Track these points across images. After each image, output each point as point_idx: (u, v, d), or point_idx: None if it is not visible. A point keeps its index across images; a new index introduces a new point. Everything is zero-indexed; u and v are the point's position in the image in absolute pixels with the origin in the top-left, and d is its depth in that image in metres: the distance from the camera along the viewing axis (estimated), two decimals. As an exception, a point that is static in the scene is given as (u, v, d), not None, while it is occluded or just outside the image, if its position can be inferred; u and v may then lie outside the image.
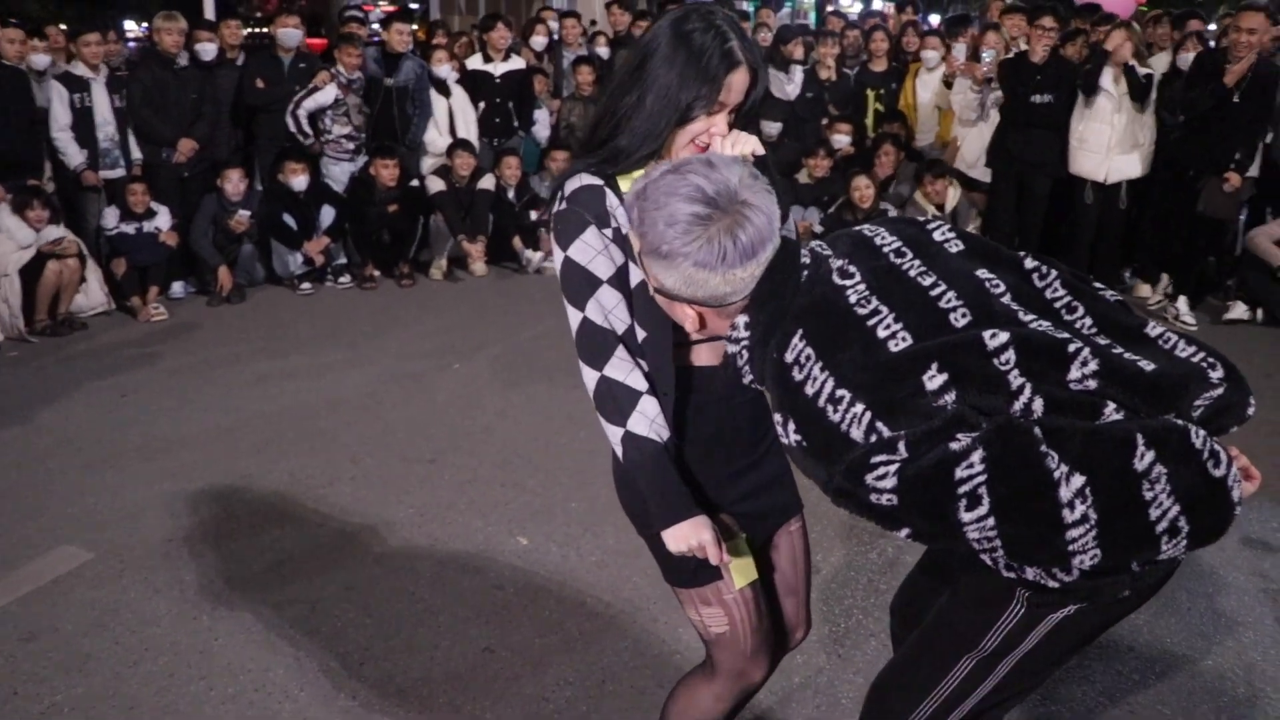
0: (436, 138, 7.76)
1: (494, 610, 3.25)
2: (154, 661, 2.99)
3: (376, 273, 7.30)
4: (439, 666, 2.97)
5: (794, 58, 8.31)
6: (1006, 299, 1.68)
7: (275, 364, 5.57)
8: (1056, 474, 1.46)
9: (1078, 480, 1.46)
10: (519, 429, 4.69)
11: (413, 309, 6.71)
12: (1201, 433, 1.53)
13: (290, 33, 7.37)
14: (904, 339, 1.58)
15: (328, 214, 7.14)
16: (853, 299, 1.65)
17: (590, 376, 1.84)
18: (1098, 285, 1.81)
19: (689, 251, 1.61)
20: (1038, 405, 1.53)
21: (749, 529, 2.02)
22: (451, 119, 7.76)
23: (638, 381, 1.83)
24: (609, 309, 1.84)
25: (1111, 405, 1.55)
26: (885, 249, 1.75)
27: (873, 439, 1.52)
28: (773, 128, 8.18)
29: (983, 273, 1.71)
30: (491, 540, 3.69)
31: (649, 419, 1.82)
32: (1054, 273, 1.76)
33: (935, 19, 16.67)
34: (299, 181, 6.96)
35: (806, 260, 1.71)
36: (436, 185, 7.39)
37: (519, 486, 4.11)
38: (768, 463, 2.05)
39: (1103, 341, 1.65)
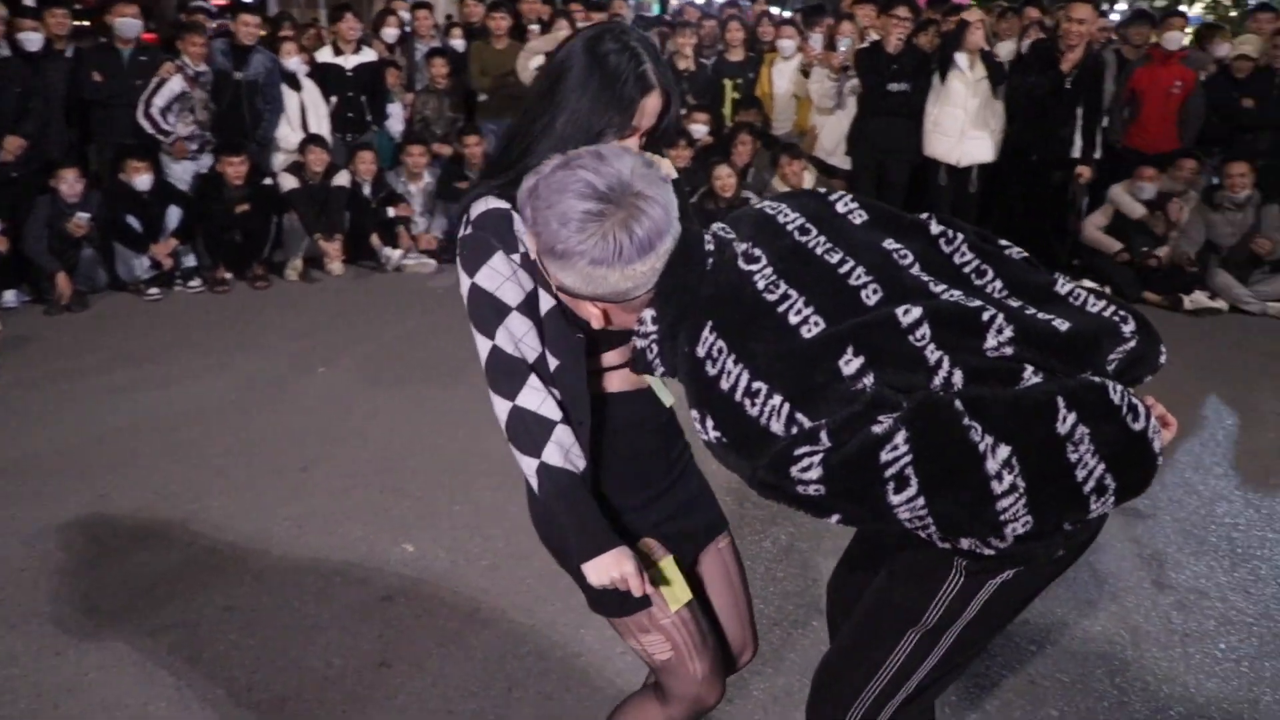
0: (288, 133, 7.47)
1: (386, 622, 3.13)
2: (13, 706, 2.76)
3: (229, 275, 6.97)
4: (334, 686, 2.83)
5: (651, 47, 8.30)
6: (915, 269, 1.67)
7: (126, 375, 5.24)
8: (981, 446, 1.45)
9: (1003, 450, 1.46)
10: (393, 432, 4.54)
11: (269, 312, 6.43)
12: (1119, 388, 1.54)
13: (129, 23, 6.92)
14: (816, 323, 1.56)
15: (174, 214, 6.77)
16: (760, 285, 1.61)
17: (502, 407, 1.76)
18: (1003, 244, 1.81)
19: (584, 249, 1.56)
20: (957, 377, 1.52)
21: (676, 550, 1.96)
22: (303, 113, 7.48)
23: (551, 410, 1.76)
24: (519, 337, 1.77)
25: (1030, 368, 1.55)
26: (789, 227, 1.71)
27: (794, 430, 1.50)
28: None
29: (889, 243, 1.70)
30: (376, 549, 3.55)
31: (564, 449, 1.75)
32: (960, 236, 1.76)
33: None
34: (142, 181, 6.58)
35: (710, 247, 1.67)
36: (289, 183, 7.11)
37: (399, 491, 3.97)
38: (685, 483, 2.03)
39: (1014, 304, 1.65)
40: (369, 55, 7.89)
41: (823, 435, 1.47)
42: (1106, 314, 1.68)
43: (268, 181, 7.19)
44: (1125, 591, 3.38)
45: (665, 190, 1.58)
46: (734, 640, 2.15)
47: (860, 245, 1.69)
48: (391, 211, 7.42)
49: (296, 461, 4.20)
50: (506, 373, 1.76)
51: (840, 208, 1.77)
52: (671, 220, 1.59)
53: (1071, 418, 1.49)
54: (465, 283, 1.78)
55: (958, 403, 1.47)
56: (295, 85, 7.44)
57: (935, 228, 1.77)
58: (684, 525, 2.00)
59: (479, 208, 1.80)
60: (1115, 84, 7.22)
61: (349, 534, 3.64)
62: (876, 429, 1.46)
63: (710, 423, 1.57)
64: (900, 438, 1.45)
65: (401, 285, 7.03)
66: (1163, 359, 1.72)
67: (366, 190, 7.41)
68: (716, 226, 1.75)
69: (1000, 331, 1.55)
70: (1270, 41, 7.65)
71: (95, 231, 6.51)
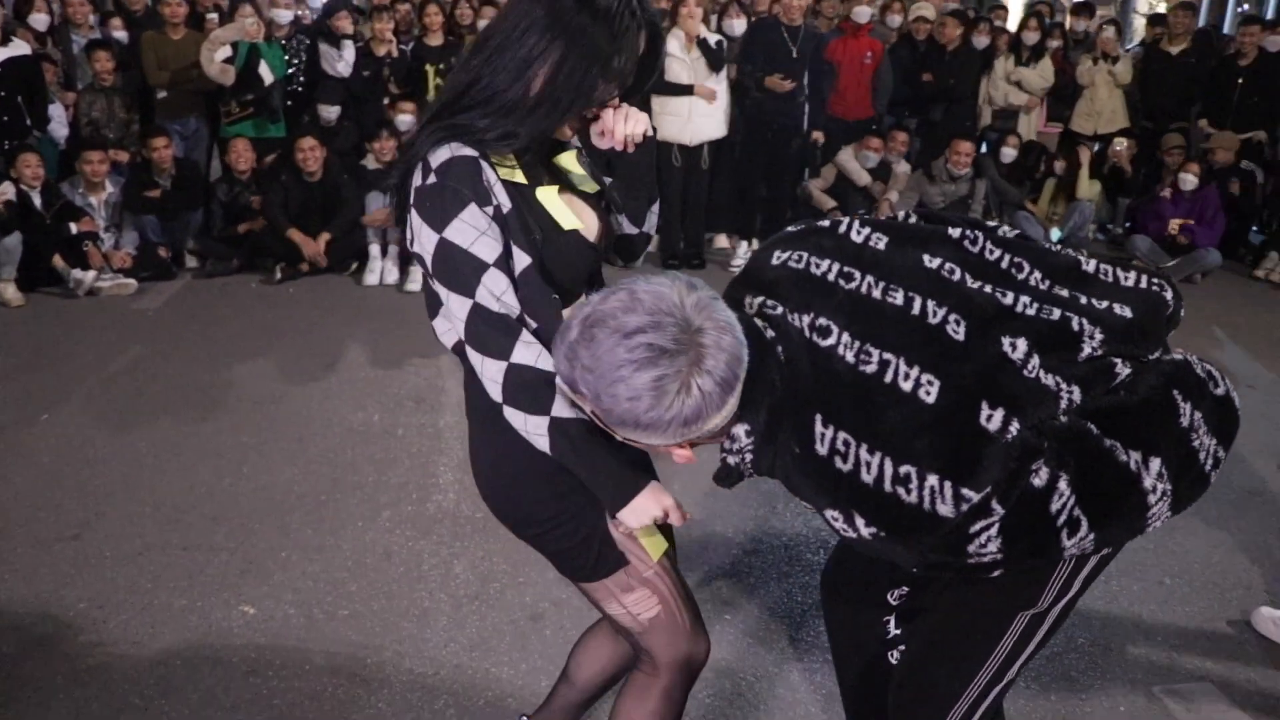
0: (-72, 142, 6.26)
1: (258, 702, 2.62)
2: None
3: (-128, 317, 5.75)
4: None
5: (343, 32, 7.74)
6: (969, 281, 1.59)
7: None
8: (1133, 465, 1.46)
9: (1155, 463, 1.47)
10: (166, 478, 3.87)
11: (-58, 356, 5.35)
12: (1198, 362, 1.60)
13: None
14: (929, 382, 1.44)
15: None
16: (850, 359, 1.48)
17: (495, 368, 1.63)
18: (993, 224, 1.76)
19: (674, 415, 1.38)
20: (1076, 394, 1.49)
21: None
22: (-55, 117, 6.29)
23: (548, 363, 1.61)
24: (499, 293, 1.65)
25: (1119, 361, 1.55)
26: (830, 278, 1.58)
27: (963, 508, 1.39)
28: (330, 111, 7.60)
29: (928, 260, 1.61)
30: (209, 618, 2.99)
31: (567, 400, 1.63)
32: (979, 234, 1.69)
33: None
34: None
35: (771, 334, 1.50)
36: (-62, 202, 5.96)
37: (206, 547, 3.38)
38: None
39: (1065, 294, 1.62)
40: (20, 48, 6.74)
41: (994, 504, 1.40)
42: (1144, 286, 1.68)
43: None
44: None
45: (719, 307, 1.41)
46: None
47: (906, 273, 1.58)
48: (75, 227, 6.42)
49: (63, 530, 3.47)
50: (497, 331, 1.64)
51: (856, 237, 1.65)
52: (740, 339, 1.41)
53: (1188, 408, 1.52)
54: (430, 238, 1.64)
55: (1092, 427, 1.45)
56: (-70, 85, 6.24)
57: (954, 231, 1.69)
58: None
59: (441, 154, 1.66)
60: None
61: (168, 606, 3.04)
62: (1037, 481, 1.41)
63: (861, 520, 1.45)
64: (1063, 484, 1.42)
65: (102, 311, 6.09)
66: (1182, 312, 1.75)
67: (37, 203, 6.36)
68: (756, 303, 1.57)
69: (1092, 338, 1.54)
70: (939, 20, 8.33)
71: None
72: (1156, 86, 8.64)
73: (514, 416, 1.65)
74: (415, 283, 6.67)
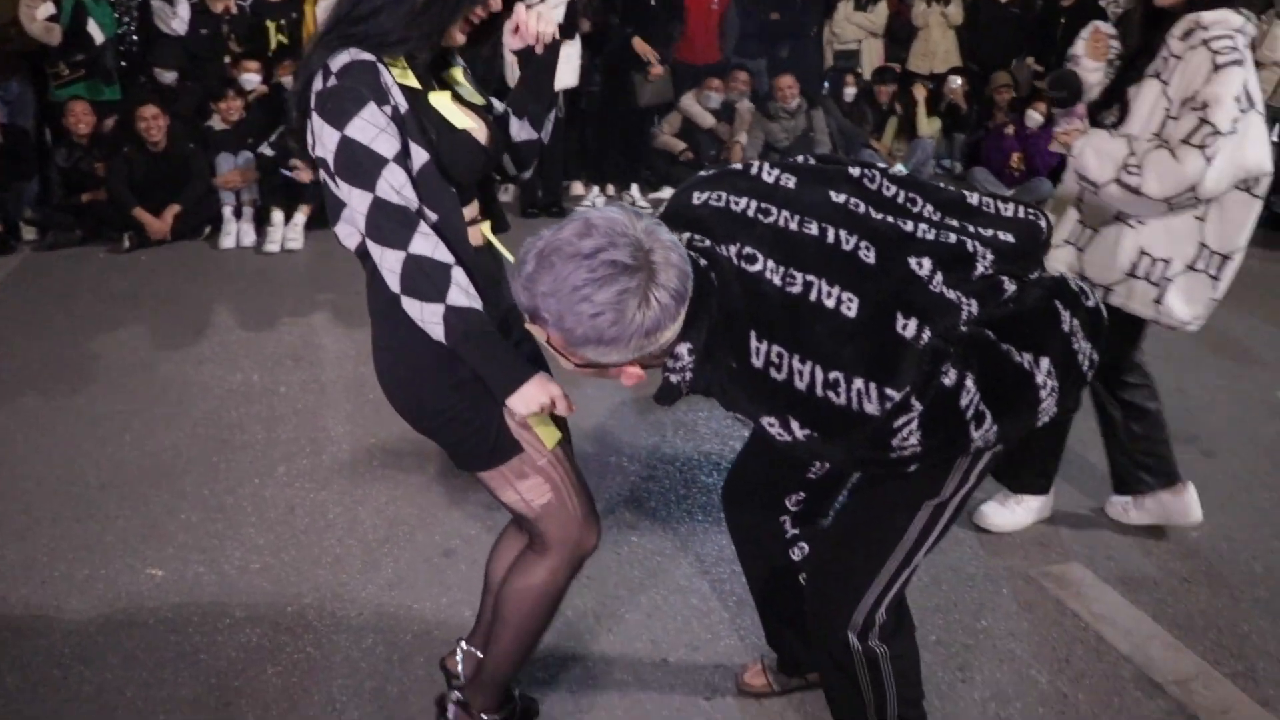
0: None
1: (183, 658, 2.61)
2: None
3: None
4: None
5: (175, -11, 7.44)
6: (874, 213, 1.73)
7: None
8: (1027, 364, 1.63)
9: (1045, 362, 1.64)
10: (43, 454, 3.73)
11: None
12: (1072, 278, 1.79)
13: None
14: (849, 299, 1.59)
15: None
16: (777, 282, 1.61)
17: (394, 257, 1.75)
18: (896, 168, 1.92)
19: (635, 326, 1.47)
20: (974, 306, 1.65)
21: None
22: None
23: (445, 255, 1.78)
24: (398, 186, 1.76)
25: (1005, 279, 1.71)
26: (750, 213, 1.70)
27: (887, 406, 1.54)
28: (167, 76, 7.32)
29: (834, 196, 1.74)
30: (116, 585, 2.93)
31: (464, 290, 1.78)
32: (875, 173, 1.83)
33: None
34: None
35: (704, 263, 1.61)
36: None
37: (100, 516, 3.30)
38: (528, 341, 2.03)
39: (955, 224, 1.77)
40: None
41: (913, 401, 1.55)
42: (1022, 215, 1.83)
43: None
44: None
45: (665, 230, 1.52)
46: None
47: (816, 208, 1.72)
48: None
49: (-61, 509, 3.33)
50: (396, 223, 1.75)
51: (767, 177, 1.78)
52: (685, 256, 1.53)
53: (1068, 315, 1.70)
54: (332, 136, 1.74)
55: (990, 334, 1.62)
56: None
57: (854, 170, 1.83)
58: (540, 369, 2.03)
59: (340, 59, 1.76)
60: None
61: (69, 577, 2.97)
62: (947, 381, 1.56)
63: (795, 423, 1.58)
64: (969, 382, 1.58)
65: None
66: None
67: None
68: (684, 237, 1.67)
69: (984, 258, 1.70)
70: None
71: None
72: (984, 32, 9.08)
73: (411, 306, 1.77)
74: (274, 243, 6.51)
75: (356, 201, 1.76)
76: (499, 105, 2.08)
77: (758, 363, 1.57)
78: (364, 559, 3.06)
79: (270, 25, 7.79)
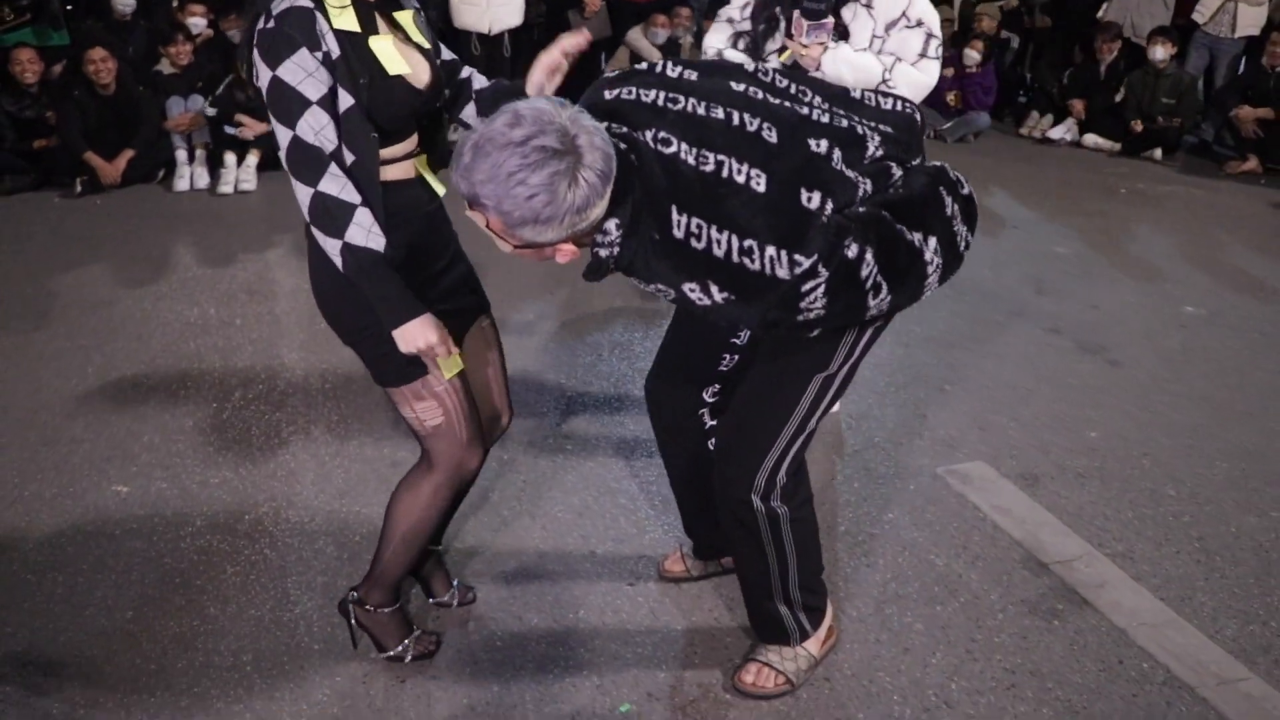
0: None
1: (149, 563, 2.82)
2: None
3: None
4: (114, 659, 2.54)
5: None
6: (772, 99, 1.90)
7: None
8: (917, 242, 1.83)
9: (933, 240, 1.85)
10: (8, 385, 3.88)
11: None
12: (950, 168, 1.98)
13: None
14: (757, 175, 1.76)
15: None
16: (691, 161, 1.77)
17: (304, 192, 1.92)
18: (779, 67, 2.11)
19: (568, 204, 1.62)
20: (868, 186, 1.84)
21: (449, 327, 2.12)
22: None
23: (351, 195, 1.94)
24: (319, 128, 1.91)
25: (893, 164, 1.90)
26: (660, 103, 1.84)
27: (796, 270, 1.72)
28: (125, 5, 7.33)
29: (734, 85, 1.91)
30: (83, 501, 3.12)
31: (365, 229, 1.94)
32: (766, 66, 2.02)
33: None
34: None
35: (623, 146, 1.76)
36: None
37: (66, 440, 3.48)
38: (456, 266, 2.24)
39: (842, 112, 1.95)
40: None
41: (820, 268, 1.73)
42: (899, 108, 2.02)
43: None
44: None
45: (588, 117, 1.67)
46: (495, 404, 2.43)
47: (720, 95, 1.87)
48: None
49: (-90, 437, 3.50)
50: (308, 161, 1.91)
51: (672, 73, 1.92)
52: (608, 140, 1.68)
53: (949, 200, 1.91)
54: (265, 74, 1.90)
55: (885, 214, 1.81)
56: None
57: (748, 65, 2.00)
58: (456, 304, 2.22)
59: (281, 4, 1.90)
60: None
61: (38, 495, 3.15)
62: (850, 253, 1.75)
63: (715, 287, 1.75)
64: (869, 255, 1.76)
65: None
66: None
67: None
68: (604, 125, 1.78)
69: (873, 140, 1.89)
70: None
71: None
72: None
73: (317, 235, 1.96)
74: (228, 184, 6.62)
75: (280, 137, 1.93)
76: (447, 53, 2.23)
77: (679, 234, 1.74)
78: (316, 471, 3.27)
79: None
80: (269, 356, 4.12)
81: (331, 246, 1.94)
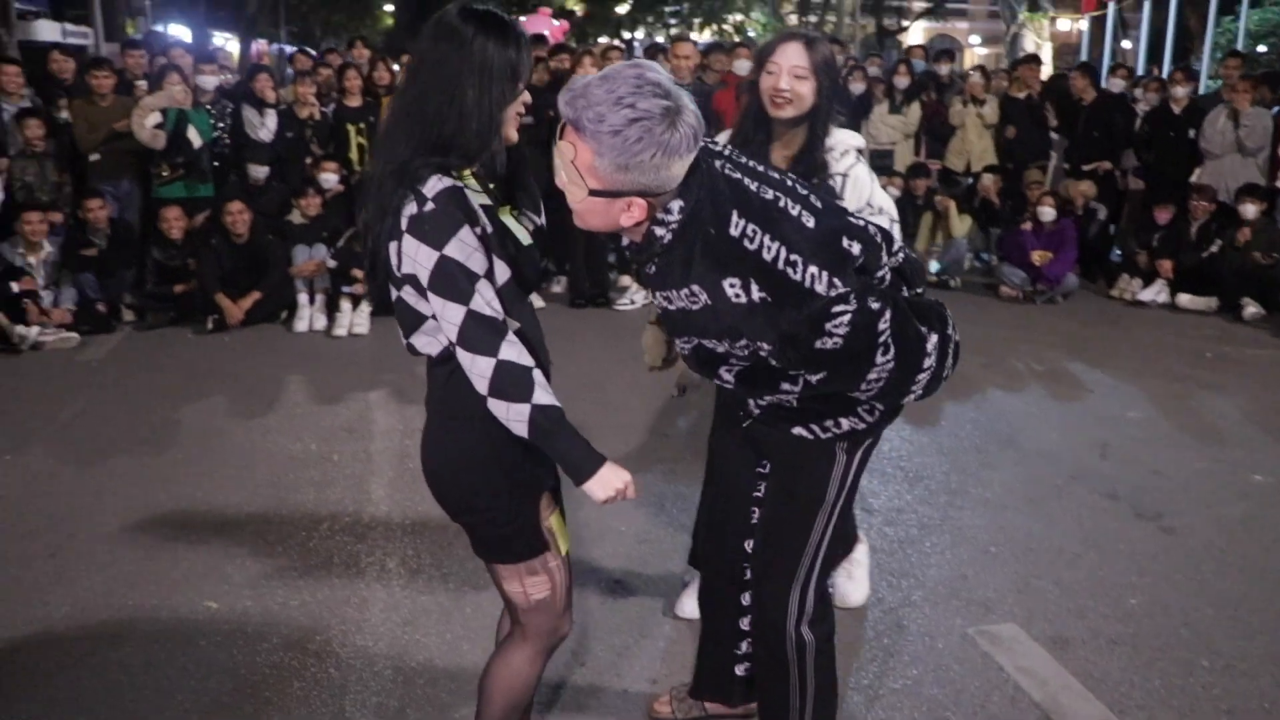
0: None
1: (226, 672, 3.13)
2: None
3: None
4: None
5: (266, 99, 8.27)
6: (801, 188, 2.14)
7: None
8: (924, 331, 2.11)
9: (934, 338, 2.13)
10: (127, 503, 4.34)
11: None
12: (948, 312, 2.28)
13: None
14: (807, 215, 2.01)
15: None
16: (753, 187, 2.02)
17: (486, 364, 1.95)
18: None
19: (658, 141, 1.80)
20: (889, 271, 2.12)
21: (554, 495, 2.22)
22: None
23: (527, 359, 1.99)
24: (489, 299, 1.96)
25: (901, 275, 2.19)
26: (723, 151, 2.09)
27: (833, 292, 1.96)
28: (259, 171, 8.10)
29: (774, 173, 2.12)
30: (178, 614, 3.47)
31: (545, 389, 1.99)
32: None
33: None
34: None
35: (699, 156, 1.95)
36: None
37: (169, 558, 3.87)
38: None
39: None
40: (-45, 119, 7.19)
41: (853, 298, 1.97)
42: (909, 255, 2.28)
43: None
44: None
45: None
46: None
47: (766, 175, 2.09)
48: (15, 286, 6.83)
49: (39, 550, 3.93)
50: (488, 333, 1.95)
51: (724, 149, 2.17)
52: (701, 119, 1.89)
53: (951, 325, 2.20)
54: (429, 255, 1.92)
55: (902, 303, 2.10)
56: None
57: (774, 174, 2.19)
58: (553, 481, 2.24)
59: (433, 185, 1.94)
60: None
61: (140, 606, 3.52)
62: (873, 304, 2.01)
63: (755, 287, 1.92)
64: (887, 316, 2.03)
65: (48, 364, 6.51)
66: None
67: (-21, 266, 6.78)
68: None
69: (896, 245, 2.19)
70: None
71: None
72: (1014, 128, 9.54)
73: (497, 406, 1.97)
74: (342, 328, 7.18)
75: (451, 314, 1.94)
76: (538, 219, 2.27)
77: (734, 233, 1.92)
78: (386, 601, 3.57)
79: (350, 129, 8.57)
80: (358, 491, 4.48)
81: (517, 413, 1.96)
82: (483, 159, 2.04)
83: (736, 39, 35.63)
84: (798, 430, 2.25)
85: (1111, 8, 20.01)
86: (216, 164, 8.11)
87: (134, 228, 7.83)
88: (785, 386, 2.14)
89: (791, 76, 2.81)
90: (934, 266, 8.70)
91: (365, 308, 7.34)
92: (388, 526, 4.14)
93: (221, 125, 8.16)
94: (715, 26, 37.19)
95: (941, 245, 8.95)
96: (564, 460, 2.04)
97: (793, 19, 37.68)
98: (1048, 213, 8.42)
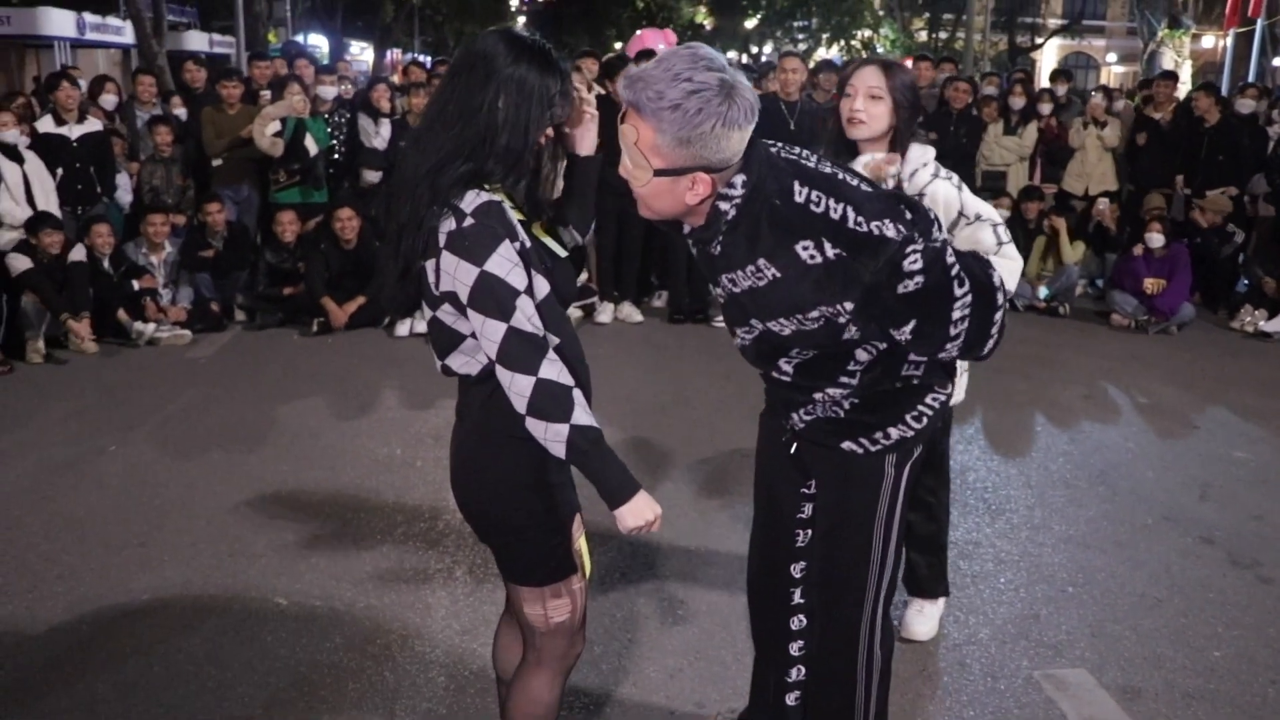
0: (12, 207, 7.04)
1: (285, 670, 3.23)
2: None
3: (-37, 364, 6.47)
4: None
5: (382, 110, 8.52)
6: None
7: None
8: (995, 277, 2.13)
9: (993, 271, 2.13)
10: (216, 499, 4.52)
11: (25, 398, 6.05)
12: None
13: None
14: (866, 185, 2.08)
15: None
16: (810, 164, 2.08)
17: (525, 382, 1.92)
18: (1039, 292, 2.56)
19: (718, 113, 1.87)
20: (939, 234, 2.16)
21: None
22: (28, 187, 7.09)
23: (568, 378, 1.96)
24: (530, 315, 1.94)
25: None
26: (771, 143, 2.14)
27: (900, 236, 2.01)
28: (372, 175, 8.34)
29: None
30: (248, 608, 3.60)
31: (584, 409, 1.97)
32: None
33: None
34: None
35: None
36: (22, 264, 6.71)
37: (248, 554, 4.01)
38: None
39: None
40: (94, 125, 7.60)
41: (918, 238, 2.04)
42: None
43: (-8, 261, 6.80)
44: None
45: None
46: None
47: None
48: (136, 284, 7.18)
49: (130, 539, 4.13)
50: (529, 350, 1.92)
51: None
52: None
53: (998, 278, 2.17)
54: (470, 271, 1.90)
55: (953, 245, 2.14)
56: (16, 158, 7.05)
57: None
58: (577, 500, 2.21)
59: (471, 200, 1.94)
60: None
61: (214, 597, 3.66)
62: (936, 242, 2.06)
63: (828, 244, 1.98)
64: (950, 250, 2.08)
65: (161, 359, 6.83)
66: None
67: (106, 264, 7.14)
68: None
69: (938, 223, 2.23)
70: (953, 84, 9.05)
71: None
72: (1142, 151, 9.19)
73: (535, 426, 1.93)
74: (441, 334, 7.32)
75: (491, 331, 1.91)
76: (574, 236, 2.26)
77: (799, 199, 2.01)
78: (449, 608, 3.63)
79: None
80: (436, 499, 4.57)
81: (555, 433, 1.93)
82: (515, 175, 2.03)
83: (864, 55, 35.34)
84: (847, 445, 2.25)
85: (1259, 23, 19.17)
86: (331, 171, 8.38)
87: (250, 231, 8.15)
88: (843, 379, 2.17)
89: (866, 98, 2.90)
90: (1042, 292, 8.44)
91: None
92: (460, 535, 4.21)
93: (338, 134, 8.43)
94: (843, 42, 36.76)
95: (1052, 271, 8.67)
96: (600, 483, 2.00)
97: (922, 35, 37.10)
98: (1156, 239, 8.10)
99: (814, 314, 2.04)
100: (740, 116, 1.90)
